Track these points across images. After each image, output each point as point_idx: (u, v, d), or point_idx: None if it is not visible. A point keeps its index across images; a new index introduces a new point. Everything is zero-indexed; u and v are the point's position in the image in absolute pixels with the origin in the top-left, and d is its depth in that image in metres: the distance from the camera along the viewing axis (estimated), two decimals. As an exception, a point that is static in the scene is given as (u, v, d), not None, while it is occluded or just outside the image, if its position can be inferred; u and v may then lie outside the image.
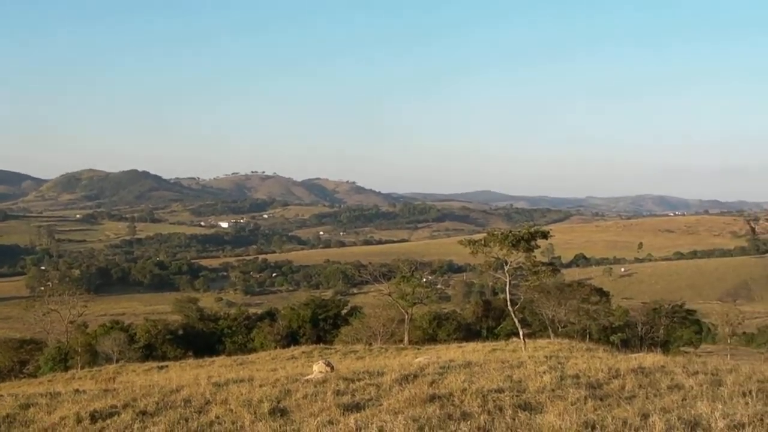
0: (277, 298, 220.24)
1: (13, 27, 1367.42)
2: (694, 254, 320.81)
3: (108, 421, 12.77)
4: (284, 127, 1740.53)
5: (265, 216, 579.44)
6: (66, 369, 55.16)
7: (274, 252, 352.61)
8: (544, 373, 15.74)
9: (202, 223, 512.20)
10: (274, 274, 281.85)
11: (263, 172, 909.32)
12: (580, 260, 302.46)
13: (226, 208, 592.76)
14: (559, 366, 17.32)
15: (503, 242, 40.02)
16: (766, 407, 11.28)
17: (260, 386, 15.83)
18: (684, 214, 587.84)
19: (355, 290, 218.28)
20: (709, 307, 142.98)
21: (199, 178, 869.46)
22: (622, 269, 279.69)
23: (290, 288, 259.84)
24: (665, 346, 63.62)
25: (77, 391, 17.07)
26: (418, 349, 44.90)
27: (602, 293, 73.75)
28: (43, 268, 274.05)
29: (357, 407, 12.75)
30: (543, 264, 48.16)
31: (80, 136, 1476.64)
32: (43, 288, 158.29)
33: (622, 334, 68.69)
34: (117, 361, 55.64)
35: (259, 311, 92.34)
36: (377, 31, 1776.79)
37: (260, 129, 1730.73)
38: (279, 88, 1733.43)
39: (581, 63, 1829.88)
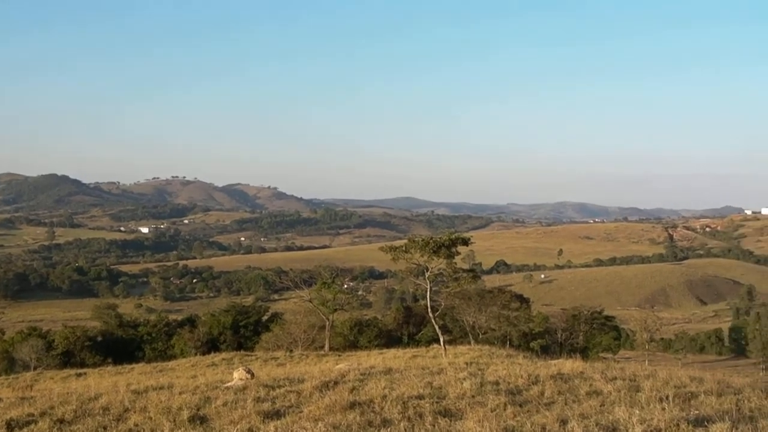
0: (197, 305, 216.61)
1: None
2: (613, 261, 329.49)
3: (25, 430, 12.75)
4: (206, 132, 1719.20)
5: (186, 221, 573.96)
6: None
7: (194, 258, 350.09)
8: (464, 379, 15.81)
9: (122, 229, 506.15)
10: (194, 280, 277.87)
11: (184, 177, 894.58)
12: (501, 267, 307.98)
13: (147, 214, 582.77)
14: (479, 372, 17.47)
15: (424, 249, 40.08)
16: (682, 412, 11.43)
17: (180, 393, 15.83)
18: (603, 221, 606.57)
19: (276, 296, 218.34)
20: (627, 314, 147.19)
21: (119, 182, 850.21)
22: (543, 276, 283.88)
23: (211, 294, 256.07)
24: (584, 352, 64.99)
25: (-6, 399, 16.68)
26: (339, 355, 44.88)
27: (522, 300, 75.08)
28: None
29: (277, 414, 12.79)
30: (464, 270, 48.66)
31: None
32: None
33: (542, 341, 69.98)
34: (34, 369, 55.18)
35: (180, 318, 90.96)
36: (289, 39, 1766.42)
37: (182, 133, 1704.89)
38: (200, 92, 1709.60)
39: (493, 65, 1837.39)
